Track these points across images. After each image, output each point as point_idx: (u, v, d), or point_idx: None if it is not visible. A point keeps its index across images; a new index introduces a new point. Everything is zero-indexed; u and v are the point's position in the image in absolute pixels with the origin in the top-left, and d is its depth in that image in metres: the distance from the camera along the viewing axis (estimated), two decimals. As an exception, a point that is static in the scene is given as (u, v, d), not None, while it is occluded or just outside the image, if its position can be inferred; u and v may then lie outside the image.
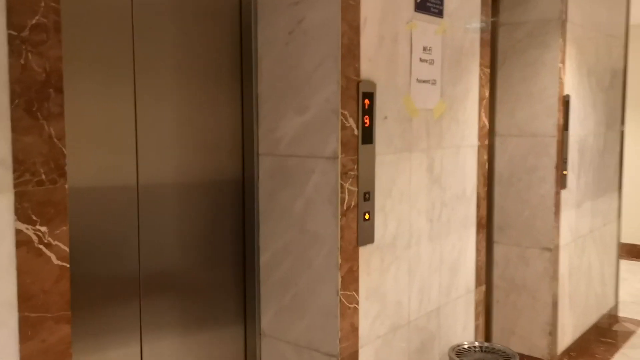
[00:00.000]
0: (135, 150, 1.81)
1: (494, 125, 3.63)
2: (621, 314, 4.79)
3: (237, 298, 2.18)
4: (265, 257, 2.17)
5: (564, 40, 3.44)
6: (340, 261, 1.96)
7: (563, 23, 3.41)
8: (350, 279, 2.01)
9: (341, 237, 1.96)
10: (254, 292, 2.18)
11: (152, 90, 1.86)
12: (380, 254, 2.15)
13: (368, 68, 2.02)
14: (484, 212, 2.77)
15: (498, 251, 3.70)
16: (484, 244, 2.79)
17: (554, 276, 3.55)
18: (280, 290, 2.13)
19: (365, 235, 2.06)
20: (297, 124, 2.03)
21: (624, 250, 6.59)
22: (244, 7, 2.10)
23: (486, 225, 3.69)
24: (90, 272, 1.73)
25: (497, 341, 3.76)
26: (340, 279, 1.96)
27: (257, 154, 2.14)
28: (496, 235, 3.70)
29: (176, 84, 1.94)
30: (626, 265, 6.26)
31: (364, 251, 2.07)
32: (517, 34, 3.52)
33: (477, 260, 2.75)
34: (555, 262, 3.55)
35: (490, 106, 3.62)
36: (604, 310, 4.44)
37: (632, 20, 5.58)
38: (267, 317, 2.18)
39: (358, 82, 1.98)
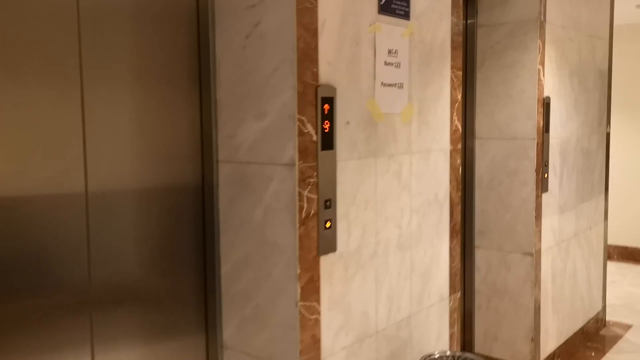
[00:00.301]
0: (83, 156, 1.76)
1: (474, 128, 3.58)
2: (609, 317, 4.73)
3: (198, 309, 2.12)
4: (226, 268, 2.11)
5: (543, 42, 3.38)
6: (299, 271, 1.90)
7: (541, 24, 3.35)
8: (311, 290, 1.95)
9: (300, 247, 1.90)
10: (215, 304, 2.12)
11: (103, 95, 1.80)
12: (344, 263, 2.09)
13: (328, 72, 1.97)
14: (457, 218, 2.71)
15: (479, 256, 3.65)
16: (458, 250, 2.73)
17: (536, 281, 3.49)
18: (241, 302, 2.07)
19: (326, 244, 2.00)
20: (255, 130, 1.97)
21: (615, 252, 6.54)
22: (201, 10, 2.04)
23: (465, 230, 3.64)
24: (34, 284, 1.67)
25: (480, 347, 3.70)
26: (299, 290, 1.91)
27: (217, 160, 2.08)
28: (477, 240, 3.64)
29: (130, 89, 1.88)
30: (616, 267, 6.20)
31: (325, 260, 2.01)
32: (496, 36, 3.47)
33: (452, 267, 2.69)
34: (536, 266, 3.49)
35: (470, 109, 3.57)
36: (591, 314, 4.37)
37: (617, 21, 5.54)
38: (229, 329, 2.12)
39: (316, 87, 1.92)
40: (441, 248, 2.61)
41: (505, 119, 3.48)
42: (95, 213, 1.79)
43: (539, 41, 3.34)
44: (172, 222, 2.03)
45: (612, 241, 6.36)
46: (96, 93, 1.78)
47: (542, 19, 3.37)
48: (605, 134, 4.46)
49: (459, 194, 2.72)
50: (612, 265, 6.12)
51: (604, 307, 4.62)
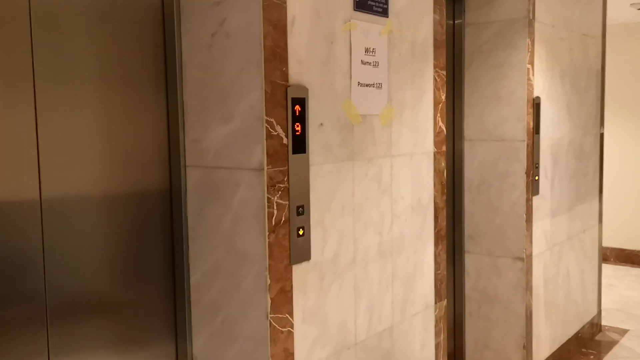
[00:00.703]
0: (37, 162, 1.66)
1: (462, 130, 3.48)
2: (605, 322, 4.63)
3: (166, 322, 2.02)
4: (195, 278, 2.01)
5: (532, 41, 3.29)
6: (269, 282, 1.80)
7: (530, 22, 3.26)
8: (283, 301, 1.85)
9: (270, 256, 1.80)
10: (184, 316, 2.02)
11: (58, 99, 1.70)
12: (319, 272, 1.99)
13: (299, 72, 1.87)
14: (443, 223, 2.61)
15: (469, 261, 3.55)
16: (444, 256, 2.63)
17: (527, 287, 3.39)
18: (211, 314, 1.97)
19: (299, 252, 1.90)
20: (223, 133, 1.87)
21: (612, 255, 6.44)
22: (166, 7, 1.94)
23: (455, 235, 3.54)
24: (-17, 300, 1.58)
25: (471, 356, 3.60)
26: (269, 302, 1.81)
27: (185, 165, 1.99)
28: (467, 245, 3.54)
29: (90, 91, 1.79)
30: (613, 270, 6.10)
31: (298, 270, 1.91)
32: (484, 35, 3.38)
33: (437, 274, 2.59)
34: (528, 272, 3.39)
35: (458, 110, 3.48)
36: (586, 319, 4.27)
37: (611, 20, 5.45)
38: (199, 342, 2.02)
39: (286, 87, 1.82)
40: (425, 254, 2.51)
41: (494, 120, 3.38)
42: (50, 220, 1.69)
43: (528, 40, 3.25)
44: (139, 230, 1.94)
45: (608, 244, 6.26)
46: (50, 96, 1.68)
47: (531, 18, 3.27)
48: (599, 135, 4.37)
49: (445, 198, 2.62)
50: (608, 268, 6.02)
51: (599, 311, 4.52)
